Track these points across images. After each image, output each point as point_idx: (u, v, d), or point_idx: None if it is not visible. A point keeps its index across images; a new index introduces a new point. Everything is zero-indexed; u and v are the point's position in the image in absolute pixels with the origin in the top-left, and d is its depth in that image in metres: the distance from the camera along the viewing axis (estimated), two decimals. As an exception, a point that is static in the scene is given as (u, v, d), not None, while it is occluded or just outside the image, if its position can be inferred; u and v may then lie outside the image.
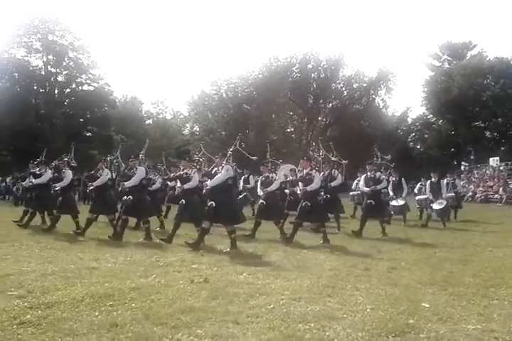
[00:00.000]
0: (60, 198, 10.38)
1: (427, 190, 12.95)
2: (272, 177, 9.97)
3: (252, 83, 42.84)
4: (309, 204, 8.71)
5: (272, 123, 43.65)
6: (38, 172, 11.17)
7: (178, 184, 9.10)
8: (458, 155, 44.30)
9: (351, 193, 14.61)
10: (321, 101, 44.81)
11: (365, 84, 44.50)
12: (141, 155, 9.97)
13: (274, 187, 9.76)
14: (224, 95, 44.06)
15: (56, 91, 39.10)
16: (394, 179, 13.38)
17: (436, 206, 12.44)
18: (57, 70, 38.76)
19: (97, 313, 4.17)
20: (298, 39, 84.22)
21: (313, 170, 8.95)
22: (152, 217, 10.14)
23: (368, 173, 10.44)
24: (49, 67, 38.38)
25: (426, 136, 47.70)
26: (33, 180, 11.11)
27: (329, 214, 10.37)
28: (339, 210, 11.57)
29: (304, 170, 9.10)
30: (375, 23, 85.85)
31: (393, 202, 12.82)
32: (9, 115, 32.73)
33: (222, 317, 4.11)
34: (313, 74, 43.96)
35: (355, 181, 14.29)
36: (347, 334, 3.71)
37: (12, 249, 7.74)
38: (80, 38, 38.56)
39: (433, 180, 12.97)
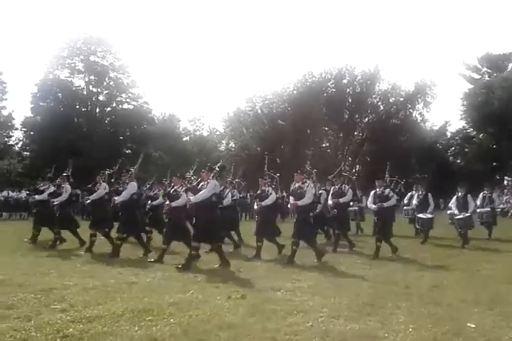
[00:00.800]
0: (58, 213, 10.45)
1: (453, 204, 11.93)
2: (268, 191, 9.39)
3: (287, 99, 43.03)
4: (301, 220, 8.33)
5: (306, 139, 43.50)
6: (41, 188, 11.34)
7: (167, 202, 8.82)
8: (500, 170, 42.78)
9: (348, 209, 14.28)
10: (357, 116, 44.46)
11: (401, 98, 43.93)
12: (132, 170, 9.61)
13: (269, 201, 9.23)
14: (259, 111, 44.42)
15: (97, 110, 40.63)
16: (420, 193, 12.76)
17: (458, 216, 11.47)
18: (99, 90, 40.35)
19: (136, 328, 4.21)
20: (333, 54, 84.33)
21: (306, 184, 8.52)
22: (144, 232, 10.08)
23: (377, 189, 9.69)
24: (91, 86, 40.00)
25: (466, 150, 46.44)
26: (36, 196, 11.36)
27: (336, 231, 10.39)
28: (347, 228, 10.79)
29: (297, 184, 8.63)
30: (411, 36, 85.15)
31: (420, 215, 12.13)
32: (53, 133, 34.08)
33: (260, 334, 4.08)
34: (348, 89, 43.77)
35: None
36: (389, 355, 3.60)
37: (55, 263, 7.96)
38: (120, 58, 40.14)
39: (459, 194, 11.91)
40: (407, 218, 13.88)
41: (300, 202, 8.30)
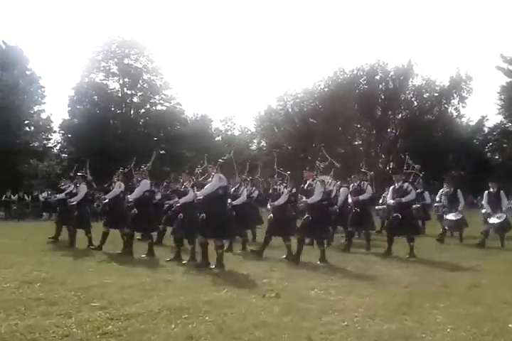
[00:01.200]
0: (76, 213, 10.54)
1: (484, 201, 11.11)
2: (280, 189, 9.09)
3: (318, 97, 42.71)
4: (310, 217, 8.13)
5: (338, 137, 43.07)
6: (62, 188, 11.60)
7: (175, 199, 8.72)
8: (541, 165, 41.20)
9: (376, 207, 13.83)
10: (390, 112, 43.69)
11: (436, 94, 42.91)
12: (144, 168, 9.51)
13: (281, 200, 8.90)
14: (290, 110, 44.28)
15: (132, 112, 41.47)
16: (448, 190, 12.09)
17: (493, 220, 10.56)
18: (133, 92, 41.20)
19: (173, 326, 4.29)
20: (364, 50, 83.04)
21: (315, 181, 8.28)
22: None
23: (396, 184, 9.33)
24: (125, 89, 40.89)
25: (504, 145, 44.88)
26: (57, 195, 11.67)
27: (358, 231, 10.23)
28: (370, 227, 10.46)
29: (308, 181, 8.40)
30: (446, 29, 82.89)
31: (449, 216, 11.40)
32: (89, 135, 34.96)
33: (295, 333, 4.08)
34: (381, 86, 43.07)
35: (384, 194, 13.57)
36: (427, 355, 3.54)
37: (94, 262, 8.18)
38: (153, 60, 40.86)
39: (491, 190, 11.03)
40: (436, 215, 13.52)
41: (309, 200, 8.13)
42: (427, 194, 13.57)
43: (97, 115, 38.47)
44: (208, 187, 7.46)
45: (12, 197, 23.96)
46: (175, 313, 4.68)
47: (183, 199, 8.19)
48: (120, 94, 40.89)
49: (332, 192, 11.00)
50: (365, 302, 5.16)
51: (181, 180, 8.79)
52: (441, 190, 13.44)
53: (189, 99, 79.36)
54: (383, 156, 45.04)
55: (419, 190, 13.44)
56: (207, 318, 4.53)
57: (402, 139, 43.74)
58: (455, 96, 42.93)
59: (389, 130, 44.68)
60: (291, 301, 5.20)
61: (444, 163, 40.70)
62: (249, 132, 50.49)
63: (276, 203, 8.84)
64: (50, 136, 37.75)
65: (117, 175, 10.14)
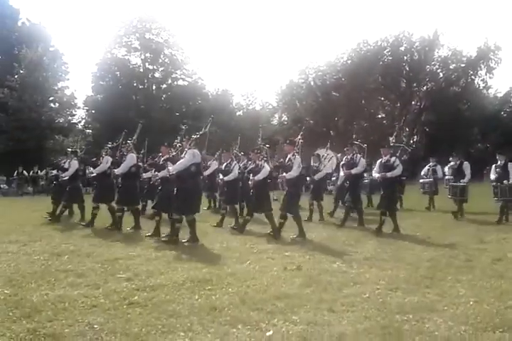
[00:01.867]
0: (68, 188, 10.56)
1: (491, 174, 10.47)
2: (261, 165, 8.77)
3: (341, 69, 41.82)
4: (290, 193, 8.00)
5: (361, 110, 42.36)
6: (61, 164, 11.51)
7: (154, 172, 8.56)
8: None
9: (421, 181, 13.44)
10: (415, 84, 42.58)
11: (463, 65, 41.49)
12: (130, 142, 9.38)
13: (261, 176, 8.59)
14: (312, 83, 43.56)
15: (154, 87, 41.48)
16: (453, 163, 11.51)
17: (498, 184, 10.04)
18: (154, 67, 41.12)
19: (196, 297, 4.39)
20: (389, 21, 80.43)
21: (294, 156, 8.03)
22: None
23: (383, 158, 8.86)
24: (147, 64, 40.81)
25: (534, 117, 43.54)
26: (53, 171, 11.89)
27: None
28: (357, 201, 9.86)
29: (288, 156, 8.13)
30: (474, -3, 79.37)
31: (453, 183, 11.04)
32: (113, 111, 35.23)
33: (316, 304, 4.13)
34: (405, 57, 41.83)
35: (428, 167, 13.21)
36: (449, 328, 3.55)
37: (121, 235, 8.38)
38: (174, 34, 40.51)
39: (498, 163, 10.35)
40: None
41: (287, 176, 7.95)
42: (439, 168, 13.09)
43: (119, 91, 38.64)
44: (182, 163, 7.32)
45: (39, 172, 24.48)
46: (198, 285, 4.80)
47: (161, 173, 8.06)
48: (142, 70, 40.84)
49: (326, 165, 11.03)
50: (387, 275, 5.18)
51: (160, 154, 8.67)
52: (428, 165, 13.24)
53: (210, 74, 78.92)
54: (407, 130, 44.25)
55: (431, 164, 13.27)
56: (230, 290, 4.63)
57: (426, 112, 42.80)
58: (482, 67, 41.41)
59: (413, 103, 43.69)
60: (312, 274, 5.26)
61: (470, 136, 39.82)
62: (270, 106, 49.98)
63: (256, 178, 8.63)
64: (74, 112, 38.12)
65: (105, 149, 10.09)
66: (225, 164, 10.16)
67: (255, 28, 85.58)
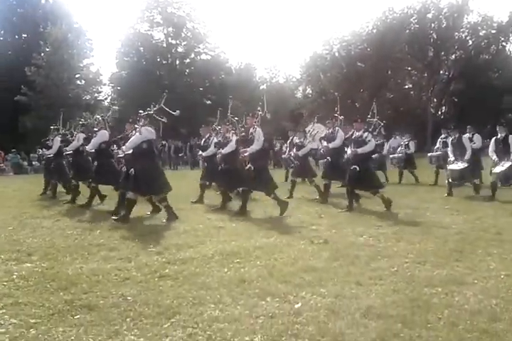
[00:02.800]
0: (52, 165, 10.67)
1: (490, 149, 9.53)
2: (229, 138, 8.54)
3: (366, 39, 40.73)
4: (253, 168, 7.62)
5: (388, 81, 41.41)
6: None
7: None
8: None
9: (429, 154, 13.15)
10: (443, 53, 41.24)
11: (493, 31, 39.86)
12: (99, 117, 9.23)
13: (229, 149, 8.41)
14: (336, 54, 42.63)
15: (177, 62, 41.36)
16: (452, 138, 10.35)
17: (498, 168, 9.12)
18: (177, 42, 40.93)
19: (225, 269, 4.48)
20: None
21: (255, 129, 7.73)
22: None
23: (355, 133, 8.34)
24: (169, 39, 40.60)
25: None
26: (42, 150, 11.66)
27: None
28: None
29: (250, 129, 7.89)
30: (509, -42, 75.15)
31: (452, 166, 9.82)
32: (138, 87, 35.39)
33: (344, 278, 4.16)
34: (433, 24, 40.43)
35: (439, 139, 12.57)
36: (478, 301, 3.53)
37: (148, 209, 8.52)
38: (196, 8, 40.09)
39: (498, 136, 9.50)
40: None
41: (249, 150, 7.65)
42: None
43: (143, 67, 38.74)
44: (132, 141, 7.13)
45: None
46: (227, 258, 4.88)
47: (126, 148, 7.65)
48: (165, 45, 40.69)
49: (311, 141, 10.50)
50: (415, 249, 5.16)
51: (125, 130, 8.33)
52: (440, 138, 12.49)
53: (233, 48, 77.95)
54: (435, 100, 43.18)
55: (442, 136, 12.42)
56: (258, 263, 4.69)
57: (455, 81, 41.58)
58: (515, 32, 39.78)
59: (441, 72, 42.42)
60: (339, 247, 5.27)
61: (500, 105, 38.59)
62: (294, 79, 49.35)
63: (223, 151, 8.46)
64: (100, 89, 38.48)
65: (78, 127, 10.08)
66: (203, 139, 9.79)
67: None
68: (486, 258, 4.72)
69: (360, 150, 8.03)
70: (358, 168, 7.96)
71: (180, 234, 6.23)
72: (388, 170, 13.74)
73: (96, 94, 37.30)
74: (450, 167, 9.84)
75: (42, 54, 31.28)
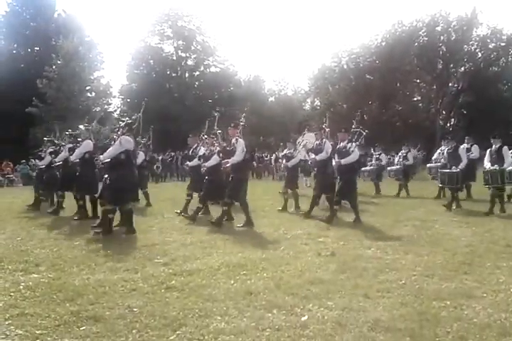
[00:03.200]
0: (44, 176, 10.73)
1: (486, 160, 9.44)
2: (213, 150, 8.56)
3: (375, 52, 40.96)
4: (236, 179, 7.62)
5: (396, 93, 41.51)
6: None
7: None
8: None
9: (428, 165, 13.08)
10: (452, 65, 41.28)
11: (503, 43, 39.87)
12: (83, 127, 9.10)
13: (213, 161, 8.41)
14: (345, 66, 42.86)
15: (187, 75, 41.94)
16: (449, 147, 10.23)
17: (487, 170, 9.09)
18: (187, 55, 41.55)
19: (232, 281, 4.46)
20: (424, 0, 77.61)
21: (237, 140, 7.71)
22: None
23: (340, 144, 8.27)
24: (179, 51, 41.21)
25: None
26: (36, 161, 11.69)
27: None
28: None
29: (232, 140, 7.85)
30: (517, -29, 75.41)
31: (443, 170, 9.79)
32: (148, 99, 35.71)
33: (351, 290, 4.12)
34: (442, 37, 40.55)
35: (438, 150, 12.20)
36: (488, 315, 3.48)
37: (156, 221, 8.55)
38: (206, 21, 40.90)
39: (493, 147, 9.32)
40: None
41: (230, 161, 7.64)
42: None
43: (153, 79, 39.26)
44: (110, 151, 7.03)
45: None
46: (233, 270, 4.86)
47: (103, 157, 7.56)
48: (175, 57, 41.27)
49: (301, 151, 10.34)
50: (423, 261, 5.11)
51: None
52: (440, 149, 12.11)
53: (242, 60, 78.63)
54: (444, 113, 43.07)
55: (442, 148, 11.85)
56: (264, 275, 4.67)
57: (464, 94, 41.55)
58: (524, 45, 39.76)
59: (450, 84, 42.44)
60: (346, 259, 5.24)
61: (510, 117, 38.42)
62: (302, 91, 49.54)
63: (207, 164, 8.44)
64: (110, 101, 38.92)
65: (64, 138, 10.24)
66: (191, 149, 9.84)
67: (287, 12, 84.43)
68: (496, 271, 4.66)
69: (343, 161, 7.97)
70: (339, 179, 7.96)
71: (186, 245, 6.23)
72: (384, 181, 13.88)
73: (106, 106, 37.67)
74: (441, 170, 9.86)
75: (53, 66, 31.75)
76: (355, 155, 8.06)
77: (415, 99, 44.91)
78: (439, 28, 40.57)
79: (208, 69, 42.39)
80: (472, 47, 41.00)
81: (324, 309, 3.67)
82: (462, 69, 41.83)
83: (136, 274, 4.76)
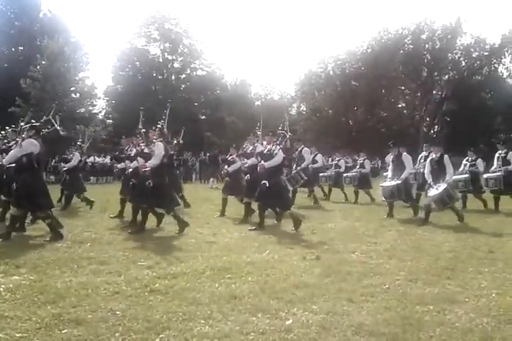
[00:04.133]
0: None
1: (426, 170, 8.97)
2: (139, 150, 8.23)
3: (361, 58, 41.33)
4: (151, 184, 7.35)
5: (381, 99, 41.90)
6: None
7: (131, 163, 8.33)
8: None
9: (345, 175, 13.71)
10: (436, 73, 41.86)
11: (486, 53, 40.53)
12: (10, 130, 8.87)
13: (136, 164, 8.05)
14: (331, 72, 43.13)
15: (173, 78, 41.75)
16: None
17: (432, 191, 8.52)
18: (173, 57, 41.39)
19: (217, 285, 4.43)
20: (410, 9, 78.63)
21: (157, 143, 7.55)
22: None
23: (267, 146, 8.20)
24: (166, 54, 41.07)
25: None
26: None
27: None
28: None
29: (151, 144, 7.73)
30: (500, -17, 77.07)
31: (431, 192, 8.53)
32: (133, 101, 35.47)
33: (335, 294, 4.13)
34: (427, 45, 41.11)
35: (421, 155, 11.68)
36: (470, 319, 3.52)
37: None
38: (193, 24, 40.83)
39: (434, 156, 8.90)
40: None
41: (148, 164, 7.43)
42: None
43: (139, 81, 39.00)
44: (10, 154, 6.85)
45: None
46: (218, 273, 4.84)
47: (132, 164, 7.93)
48: (161, 60, 41.11)
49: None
50: (407, 266, 5.15)
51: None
52: (420, 156, 11.66)
53: (228, 64, 78.72)
54: (428, 120, 43.61)
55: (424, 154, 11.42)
56: (249, 278, 4.66)
57: (448, 101, 42.13)
58: (506, 55, 40.46)
59: (434, 92, 43.01)
60: (331, 263, 5.25)
61: (493, 126, 39.07)
62: (288, 96, 49.73)
63: (131, 165, 8.36)
64: (95, 102, 38.45)
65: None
66: (123, 151, 9.84)
67: (273, 17, 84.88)
68: (478, 277, 4.72)
69: (266, 165, 7.74)
70: (267, 184, 7.65)
71: (171, 248, 6.18)
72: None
73: (90, 108, 37.27)
74: (429, 194, 8.60)
75: (38, 67, 31.32)
76: (278, 158, 7.80)
77: (400, 105, 45.41)
78: (424, 36, 41.14)
79: (194, 72, 42.29)
80: (456, 56, 41.62)
81: (309, 313, 3.67)
82: (446, 77, 42.43)
83: (120, 277, 4.71)
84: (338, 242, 6.61)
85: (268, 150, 8.03)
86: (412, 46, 41.01)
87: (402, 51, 40.92)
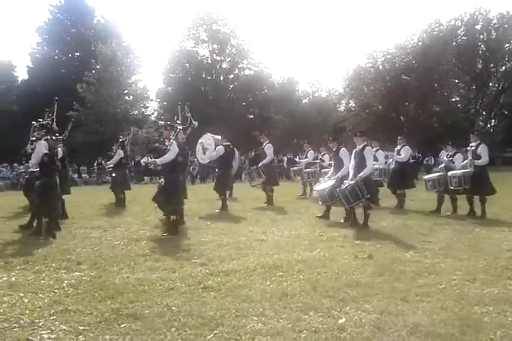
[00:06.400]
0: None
1: (350, 164, 8.25)
2: (169, 145, 7.99)
3: (411, 51, 40.09)
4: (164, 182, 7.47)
5: (434, 94, 40.44)
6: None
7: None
8: None
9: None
10: (492, 64, 40.04)
11: (547, 40, 38.39)
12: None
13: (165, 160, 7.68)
14: (380, 67, 42.14)
15: (221, 78, 42.39)
16: (448, 154, 9.37)
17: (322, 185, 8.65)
18: (222, 58, 42.01)
19: (268, 282, 4.47)
20: (463, -1, 75.70)
21: (170, 142, 7.50)
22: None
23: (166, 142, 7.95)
24: (214, 55, 41.71)
25: None
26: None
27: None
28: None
29: (166, 142, 7.66)
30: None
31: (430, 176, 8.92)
32: (183, 102, 36.25)
33: (389, 293, 4.07)
34: (482, 36, 39.43)
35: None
36: (533, 321, 3.37)
37: (192, 222, 8.65)
38: (240, 24, 41.13)
39: (357, 148, 8.19)
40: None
41: (159, 161, 7.46)
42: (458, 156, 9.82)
43: (189, 83, 39.92)
44: (35, 155, 7.12)
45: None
46: (269, 271, 4.88)
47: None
48: (210, 61, 41.80)
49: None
50: (464, 266, 4.98)
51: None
52: (396, 149, 10.86)
53: (276, 63, 78.39)
54: (484, 113, 41.80)
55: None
56: (301, 276, 4.66)
57: (505, 94, 40.18)
58: None
59: (490, 84, 41.18)
60: (384, 262, 5.17)
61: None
62: (336, 93, 49.04)
63: (158, 161, 7.81)
64: (147, 105, 39.66)
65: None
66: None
67: (320, 12, 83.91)
68: (542, 277, 4.50)
69: (158, 161, 7.53)
70: (163, 181, 7.55)
71: (223, 246, 6.28)
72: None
73: (143, 110, 38.43)
74: (450, 173, 8.90)
75: (93, 71, 32.64)
76: (170, 153, 7.44)
77: (453, 99, 43.73)
78: (478, 27, 39.48)
79: (242, 72, 42.72)
80: (513, 46, 39.66)
81: (362, 312, 3.64)
82: (503, 68, 40.49)
83: (174, 273, 4.84)
84: (391, 241, 6.48)
85: (166, 146, 7.65)
86: (465, 37, 39.48)
87: (455, 43, 39.47)
